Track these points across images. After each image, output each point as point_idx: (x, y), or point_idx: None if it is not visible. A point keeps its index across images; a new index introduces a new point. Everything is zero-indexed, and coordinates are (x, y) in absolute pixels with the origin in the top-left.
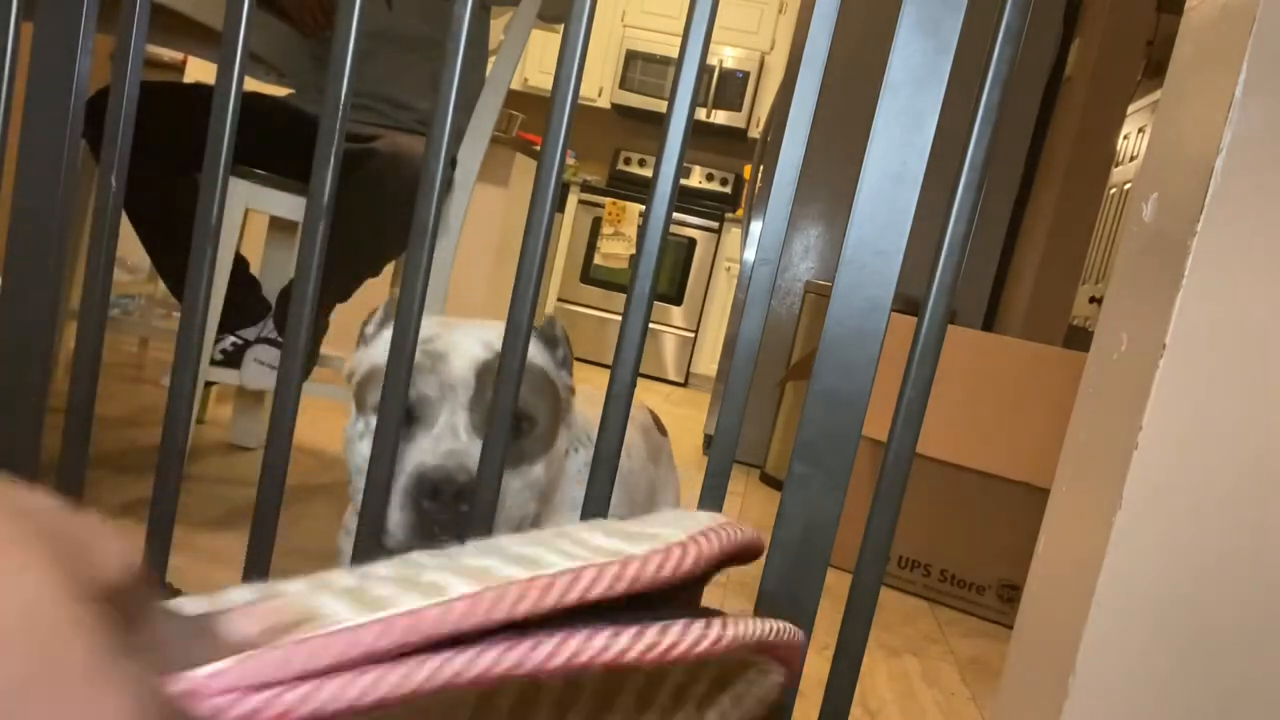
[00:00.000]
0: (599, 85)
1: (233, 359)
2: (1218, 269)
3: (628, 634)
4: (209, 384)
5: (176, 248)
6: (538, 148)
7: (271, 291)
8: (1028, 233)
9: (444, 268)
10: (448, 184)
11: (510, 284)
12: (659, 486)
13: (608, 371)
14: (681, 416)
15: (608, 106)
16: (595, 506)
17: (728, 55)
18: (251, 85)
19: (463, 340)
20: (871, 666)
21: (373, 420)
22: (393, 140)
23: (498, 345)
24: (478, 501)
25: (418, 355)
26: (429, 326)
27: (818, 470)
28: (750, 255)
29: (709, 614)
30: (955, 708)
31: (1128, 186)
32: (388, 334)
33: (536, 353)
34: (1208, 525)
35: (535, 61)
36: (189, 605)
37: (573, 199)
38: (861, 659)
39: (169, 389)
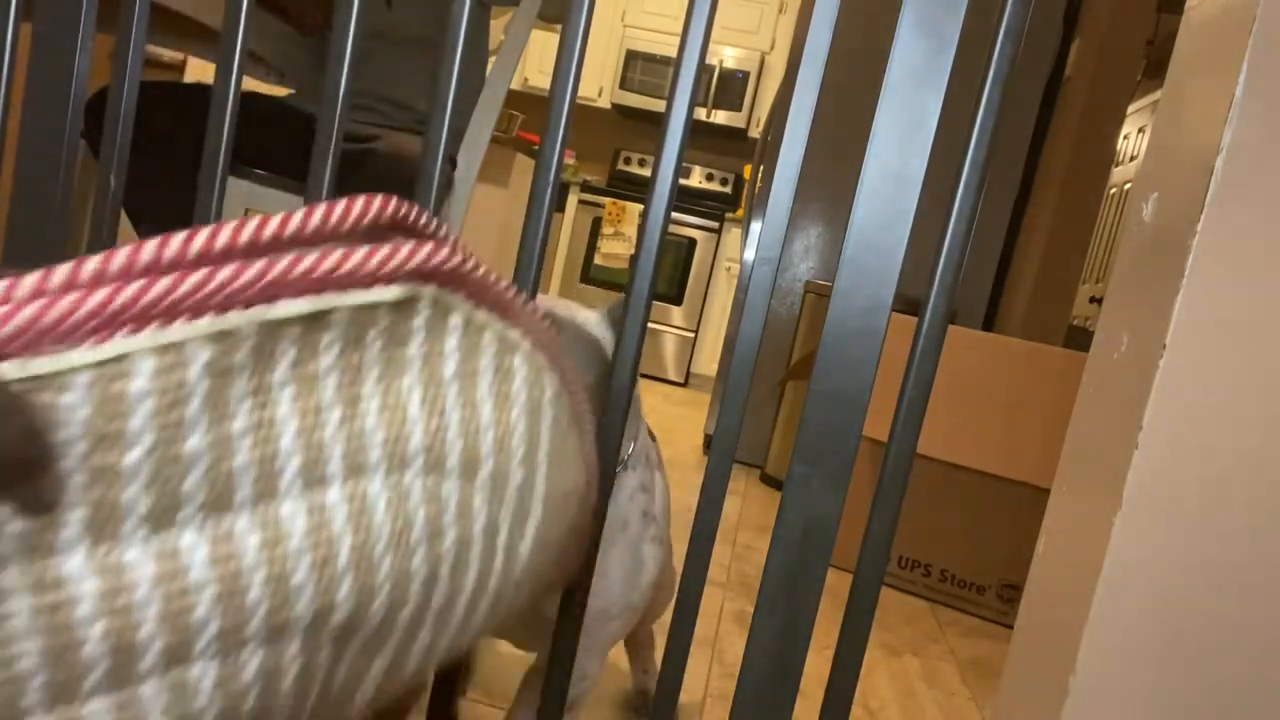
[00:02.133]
0: (599, 85)
1: None
2: (1218, 269)
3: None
4: None
5: None
6: (538, 148)
7: None
8: (1028, 233)
9: None
10: (447, 184)
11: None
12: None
13: None
14: (681, 416)
15: (608, 106)
16: (597, 501)
17: (728, 55)
18: (251, 85)
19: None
20: (871, 666)
21: None
22: (392, 140)
23: (560, 315)
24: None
25: None
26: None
27: (818, 470)
28: (750, 255)
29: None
30: (955, 708)
31: (1128, 186)
32: None
33: (601, 331)
34: (1208, 525)
35: (535, 61)
36: None
37: (573, 199)
38: (862, 659)
39: None
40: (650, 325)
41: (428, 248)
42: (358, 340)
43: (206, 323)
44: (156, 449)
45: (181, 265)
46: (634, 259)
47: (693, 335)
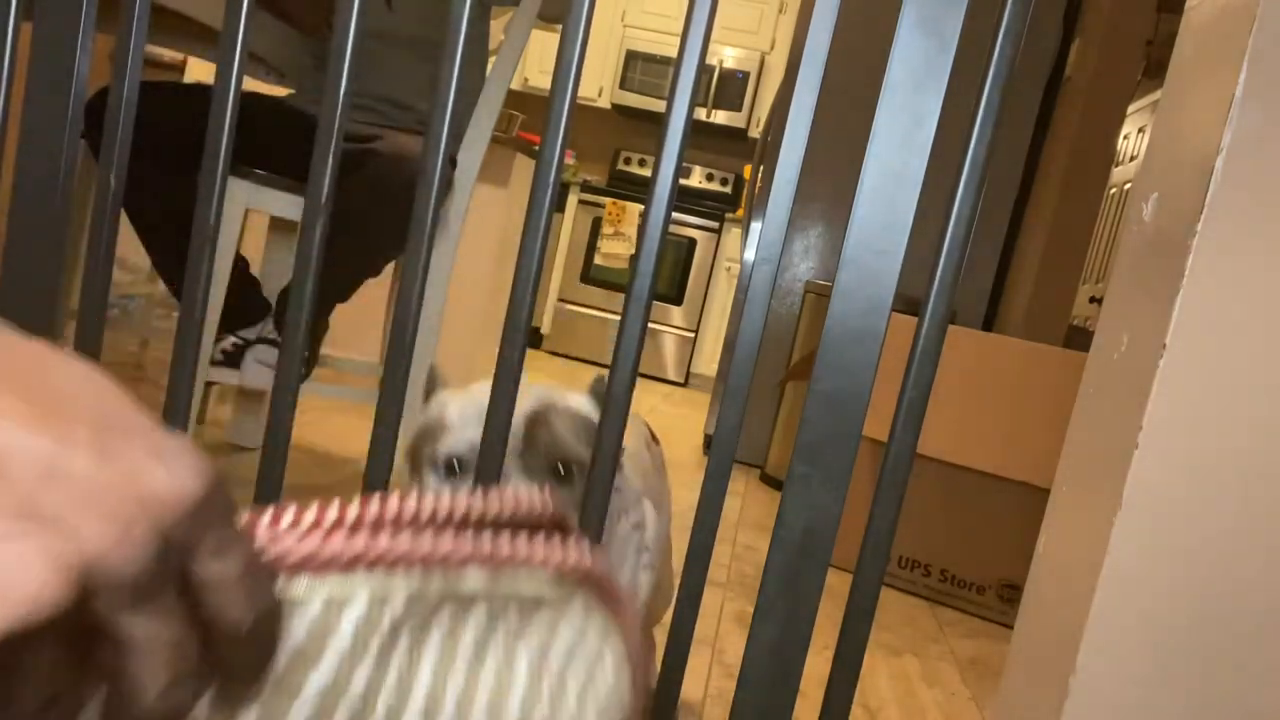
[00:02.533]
0: (599, 85)
1: (233, 359)
2: (1218, 269)
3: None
4: (209, 384)
5: (176, 248)
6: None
7: (272, 292)
8: (1028, 233)
9: (444, 268)
10: (447, 184)
11: (510, 284)
12: (661, 500)
13: (607, 372)
14: (681, 416)
15: (608, 106)
16: (594, 512)
17: (728, 55)
18: (251, 85)
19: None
20: (871, 666)
21: (426, 479)
22: (393, 140)
23: (551, 398)
24: None
25: (471, 408)
26: (484, 389)
27: (818, 470)
28: (750, 255)
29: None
30: (955, 708)
31: (1128, 186)
32: (431, 404)
33: (589, 409)
34: (1208, 525)
35: (535, 61)
36: None
37: (573, 199)
38: (862, 659)
39: (168, 389)
40: (650, 325)
41: (588, 553)
42: (500, 615)
43: (413, 578)
44: (335, 677)
45: (405, 523)
46: (634, 259)
47: (693, 335)
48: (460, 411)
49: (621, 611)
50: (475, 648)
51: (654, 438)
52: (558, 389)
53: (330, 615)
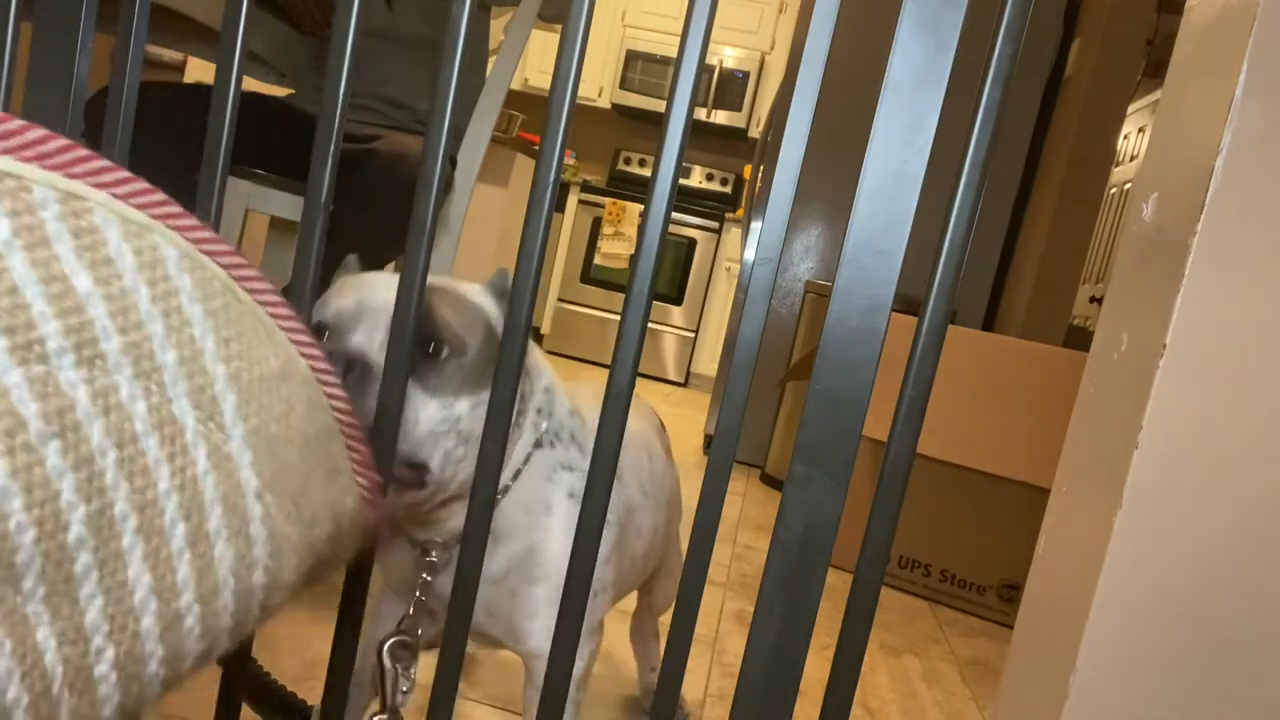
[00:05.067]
0: (599, 85)
1: None
2: (1218, 269)
3: None
4: None
5: None
6: (537, 148)
7: None
8: (1028, 233)
9: (444, 268)
10: (447, 184)
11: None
12: (674, 488)
13: (607, 371)
14: (681, 416)
15: (608, 106)
16: (593, 508)
17: (728, 55)
18: (251, 85)
19: (393, 278)
20: (871, 666)
21: None
22: (393, 140)
23: (439, 282)
24: (382, 407)
25: (351, 281)
26: (389, 278)
27: (818, 470)
28: (750, 255)
29: None
30: (955, 708)
31: (1128, 186)
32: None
33: (479, 296)
34: (1208, 525)
35: (535, 61)
36: None
37: (573, 199)
38: (862, 659)
39: None
40: (650, 325)
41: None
42: None
43: None
44: None
45: None
46: (634, 259)
47: (693, 335)
48: (340, 284)
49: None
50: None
51: (661, 427)
52: (455, 280)
53: None
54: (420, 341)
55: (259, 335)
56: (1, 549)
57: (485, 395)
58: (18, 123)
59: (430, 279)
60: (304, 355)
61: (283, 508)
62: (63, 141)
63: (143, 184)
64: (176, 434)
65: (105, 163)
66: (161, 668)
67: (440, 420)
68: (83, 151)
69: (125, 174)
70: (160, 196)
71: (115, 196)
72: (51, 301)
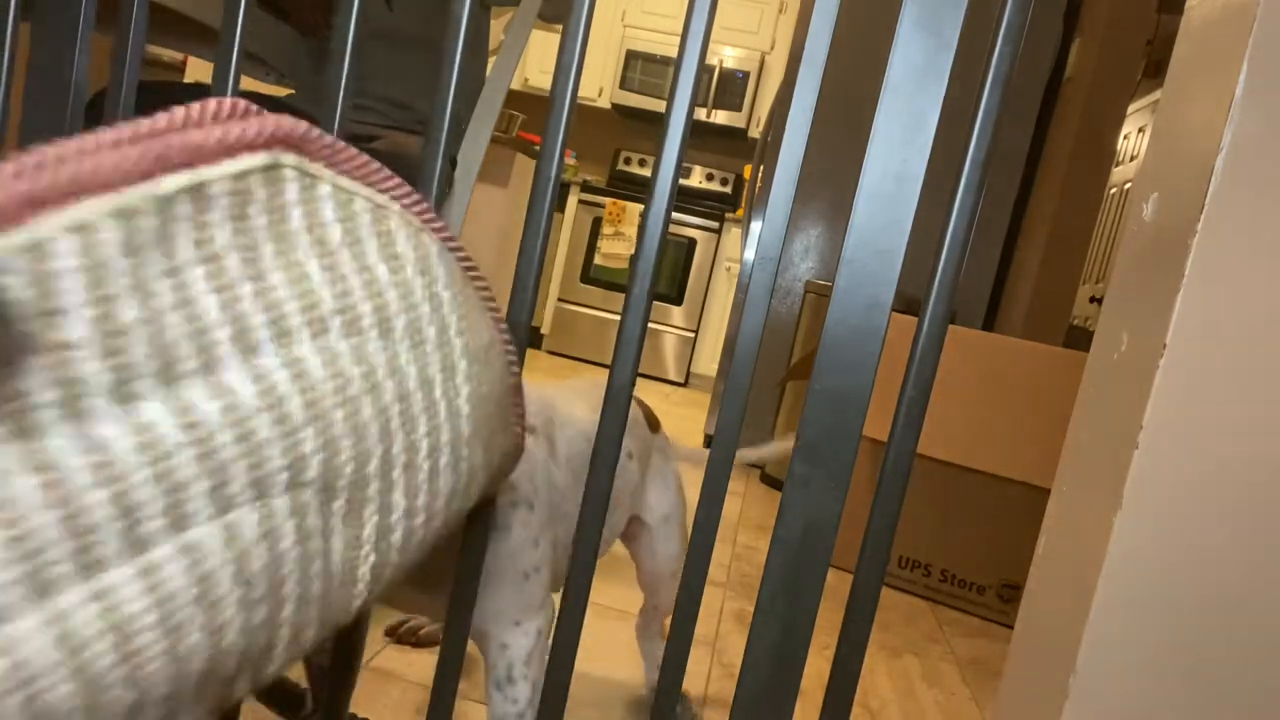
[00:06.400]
0: (599, 85)
1: None
2: (1218, 269)
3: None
4: None
5: None
6: (538, 148)
7: None
8: (1028, 233)
9: None
10: (447, 184)
11: (510, 284)
12: (649, 485)
13: (607, 371)
14: (681, 416)
15: (608, 106)
16: (593, 503)
17: (728, 55)
18: (251, 85)
19: None
20: (871, 666)
21: None
22: (393, 140)
23: None
24: None
25: None
26: None
27: (818, 470)
28: (750, 255)
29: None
30: (955, 708)
31: (1128, 186)
32: None
33: None
34: (1208, 525)
35: (535, 61)
36: None
37: (573, 199)
38: (862, 659)
39: None
40: (650, 325)
41: (276, 118)
42: (242, 218)
43: (109, 200)
44: (98, 323)
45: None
46: (634, 259)
47: (693, 335)
48: None
49: (392, 189)
50: (239, 255)
51: (652, 423)
52: None
53: (35, 272)
54: None
55: (478, 313)
56: (332, 475)
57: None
58: (336, 142)
59: None
60: (496, 326)
61: (481, 449)
62: (363, 157)
63: (414, 193)
64: (431, 392)
65: (393, 176)
66: (398, 571)
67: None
68: (378, 166)
69: (403, 184)
70: (425, 204)
71: (395, 200)
72: (365, 287)
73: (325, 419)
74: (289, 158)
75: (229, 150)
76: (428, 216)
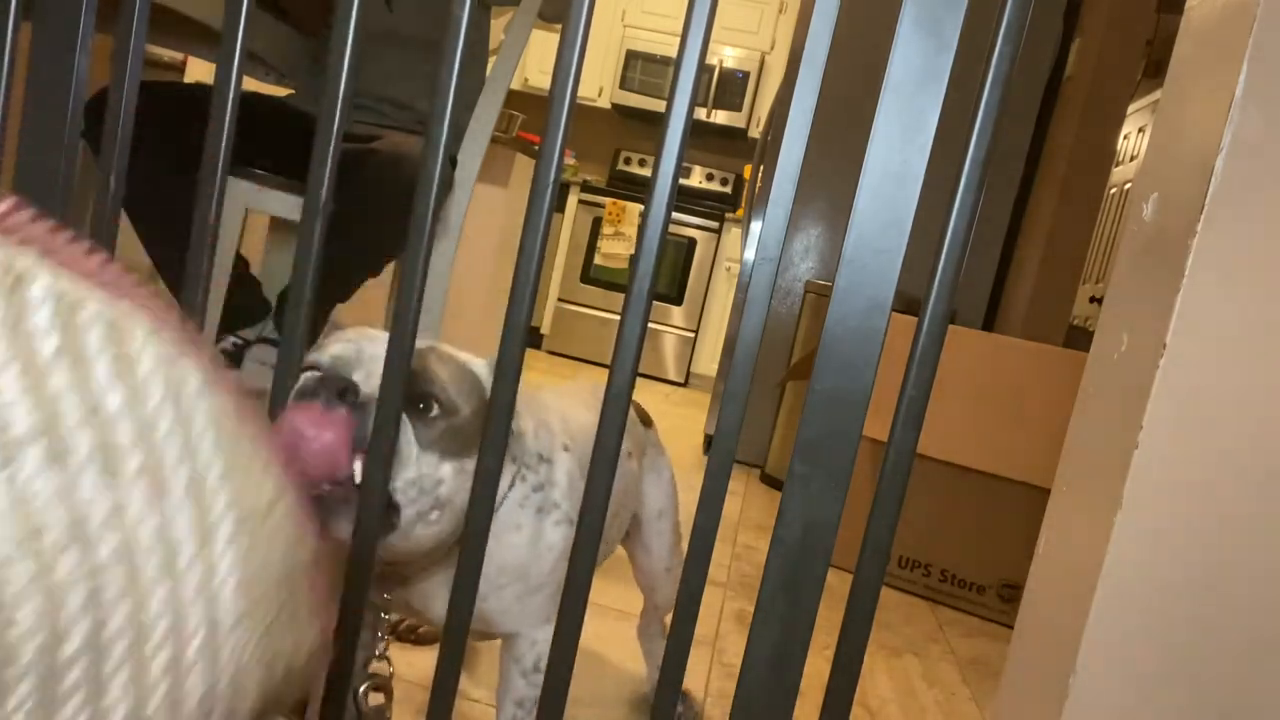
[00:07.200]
0: (599, 85)
1: (233, 359)
2: (1218, 269)
3: None
4: None
5: (176, 248)
6: (538, 148)
7: (272, 292)
8: (1028, 233)
9: (444, 268)
10: (447, 184)
11: (510, 284)
12: (646, 482)
13: (607, 371)
14: (681, 416)
15: (608, 106)
16: (593, 503)
17: (728, 55)
18: (251, 85)
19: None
20: (871, 666)
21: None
22: (393, 140)
23: (441, 346)
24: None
25: (352, 333)
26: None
27: (818, 470)
28: (750, 255)
29: None
30: (955, 708)
31: (1128, 186)
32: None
33: (480, 368)
34: (1208, 525)
35: (535, 61)
36: None
37: (573, 199)
38: (862, 659)
39: None
40: (650, 325)
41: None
42: None
43: None
44: None
45: None
46: (634, 259)
47: (693, 335)
48: (339, 334)
49: (138, 299)
50: None
51: (644, 419)
52: (458, 350)
53: None
54: (413, 397)
55: (257, 465)
56: (3, 657)
57: (470, 464)
58: (56, 228)
59: (433, 344)
60: (284, 483)
61: (253, 640)
62: (100, 255)
63: (173, 308)
64: (174, 557)
65: (146, 285)
66: None
67: (422, 475)
68: (121, 269)
69: (158, 293)
70: (185, 327)
71: (145, 316)
72: (84, 412)
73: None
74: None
75: None
76: (186, 341)
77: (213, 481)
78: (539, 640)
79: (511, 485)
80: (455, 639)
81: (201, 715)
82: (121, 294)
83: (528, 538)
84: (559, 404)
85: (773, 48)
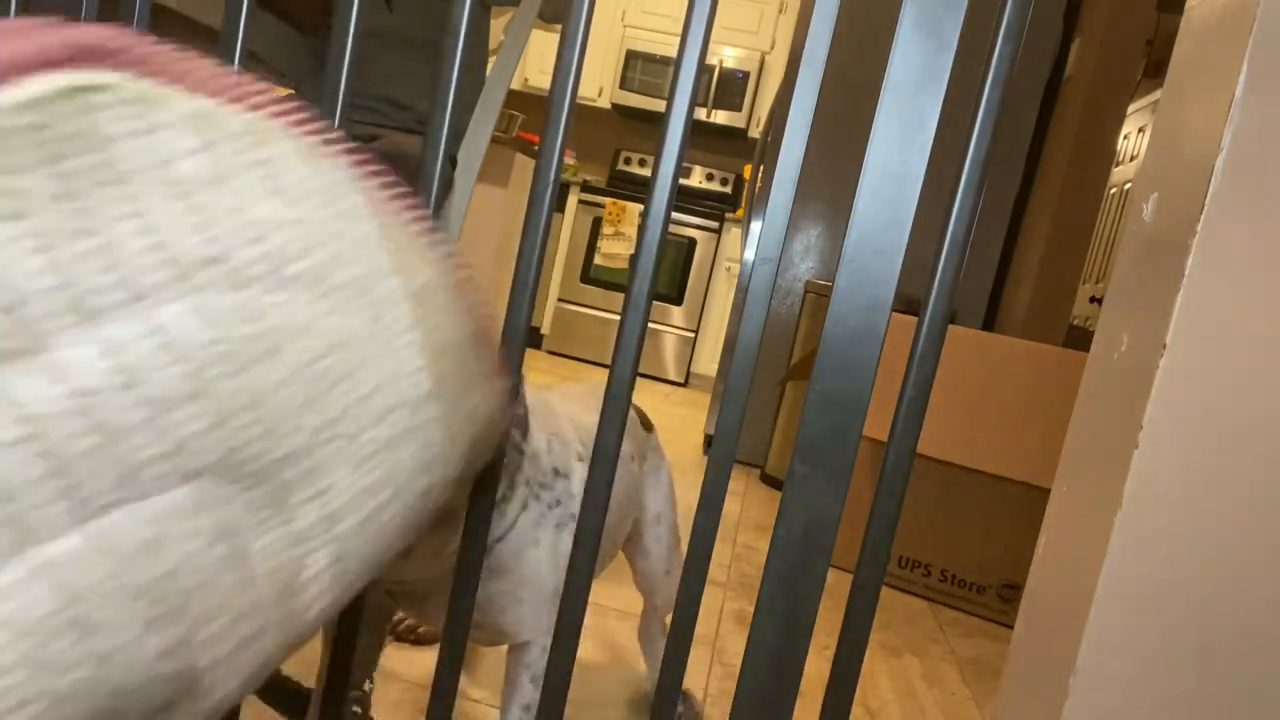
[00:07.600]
0: (599, 85)
1: None
2: (1218, 269)
3: None
4: None
5: None
6: (538, 148)
7: None
8: (1028, 233)
9: None
10: (447, 184)
11: (510, 284)
12: (646, 486)
13: (607, 371)
14: (681, 416)
15: (608, 106)
16: (593, 502)
17: (728, 55)
18: None
19: None
20: (871, 666)
21: None
22: (392, 140)
23: None
24: None
25: None
26: None
27: (818, 470)
28: (750, 255)
29: None
30: (955, 708)
31: (1128, 186)
32: None
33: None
34: (1208, 525)
35: (535, 61)
36: None
37: (573, 199)
38: (862, 659)
39: None
40: (650, 325)
41: (83, 27)
42: (55, 160)
43: None
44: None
45: None
46: (634, 259)
47: (693, 335)
48: None
49: (268, 106)
50: (57, 205)
51: (645, 423)
52: None
53: None
54: None
55: (414, 249)
56: (234, 460)
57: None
58: (177, 50)
59: None
60: (443, 262)
61: (448, 408)
62: (222, 68)
63: (303, 107)
64: (360, 348)
65: (267, 88)
66: (372, 566)
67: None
68: (247, 78)
69: (281, 96)
70: (320, 121)
71: (278, 117)
72: (244, 230)
73: (211, 393)
74: (107, 76)
75: (2, 74)
76: (328, 136)
77: (382, 272)
78: (550, 646)
79: (524, 507)
80: (455, 639)
81: (415, 472)
82: (243, 96)
83: (547, 552)
84: (567, 408)
85: (773, 48)
